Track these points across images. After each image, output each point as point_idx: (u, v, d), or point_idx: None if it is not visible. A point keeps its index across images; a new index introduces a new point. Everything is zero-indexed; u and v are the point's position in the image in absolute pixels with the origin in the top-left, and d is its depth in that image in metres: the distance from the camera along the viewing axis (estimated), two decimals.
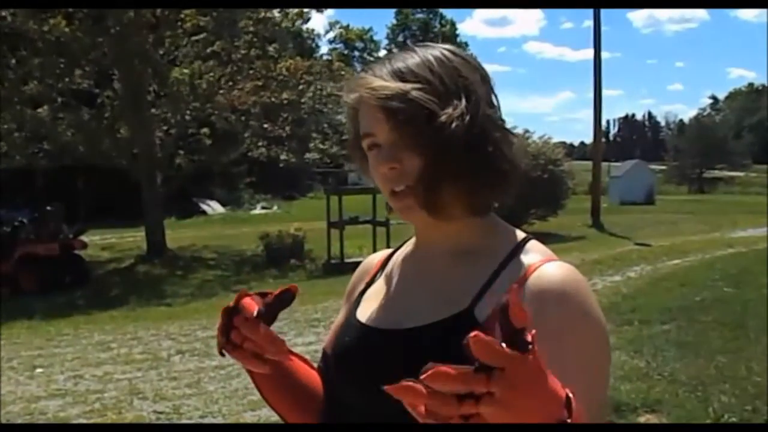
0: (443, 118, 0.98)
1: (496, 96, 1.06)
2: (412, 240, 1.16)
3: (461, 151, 0.98)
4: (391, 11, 59.63)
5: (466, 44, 59.73)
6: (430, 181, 0.99)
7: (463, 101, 1.00)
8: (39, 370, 6.50)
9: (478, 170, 1.00)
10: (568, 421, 0.72)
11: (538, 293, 0.95)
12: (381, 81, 1.01)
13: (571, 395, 0.73)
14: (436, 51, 1.03)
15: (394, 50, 1.10)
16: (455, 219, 1.03)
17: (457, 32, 61.40)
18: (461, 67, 1.02)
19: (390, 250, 1.21)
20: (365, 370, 1.02)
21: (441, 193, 0.99)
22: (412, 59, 1.02)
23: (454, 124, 0.98)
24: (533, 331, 0.67)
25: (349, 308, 1.16)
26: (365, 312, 1.10)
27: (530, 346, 0.67)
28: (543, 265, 0.99)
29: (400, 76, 1.00)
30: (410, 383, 0.65)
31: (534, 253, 1.02)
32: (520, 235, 1.06)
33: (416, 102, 0.98)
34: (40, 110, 15.63)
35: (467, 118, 0.99)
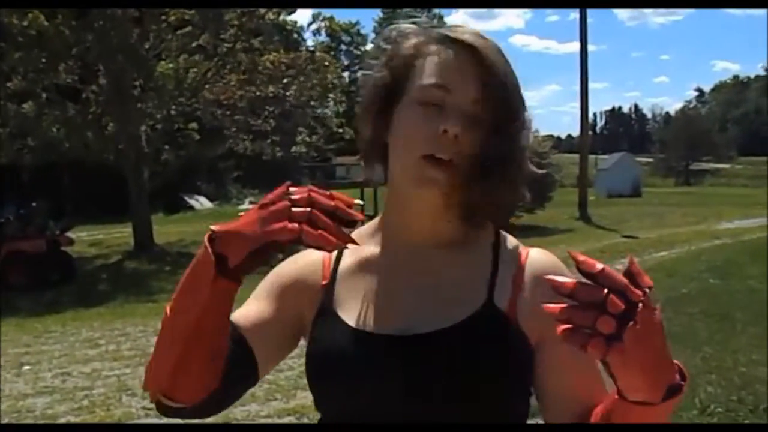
0: (525, 117, 0.98)
1: None
2: (364, 233, 1.07)
3: (523, 157, 0.98)
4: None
5: None
6: (490, 169, 0.93)
7: (526, 113, 1.00)
8: (26, 367, 6.46)
9: (521, 184, 0.99)
10: (684, 386, 0.80)
11: (537, 274, 0.98)
12: (493, 49, 0.97)
13: (680, 364, 0.82)
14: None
15: (381, 44, 1.03)
16: (458, 214, 0.99)
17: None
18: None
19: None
20: (405, 380, 0.93)
21: (491, 186, 0.95)
22: (503, 53, 0.99)
23: (524, 129, 0.99)
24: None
25: (317, 316, 1.03)
26: (360, 318, 1.00)
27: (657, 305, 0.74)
28: (528, 251, 1.02)
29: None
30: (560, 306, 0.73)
31: (512, 241, 1.04)
32: (490, 224, 1.04)
33: (516, 88, 0.97)
34: (24, 106, 15.50)
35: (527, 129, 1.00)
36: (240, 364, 0.99)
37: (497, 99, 0.94)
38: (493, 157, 0.93)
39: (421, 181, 0.94)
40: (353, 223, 0.85)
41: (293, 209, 0.83)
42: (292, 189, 0.85)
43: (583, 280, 0.74)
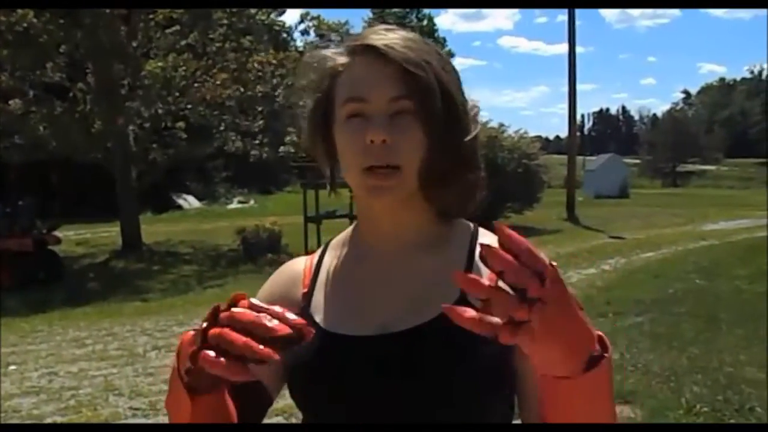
0: (469, 106, 0.98)
1: None
2: (342, 239, 1.09)
3: (474, 147, 0.98)
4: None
5: (444, 40, 59.70)
6: (434, 167, 0.94)
7: (470, 101, 1.00)
8: (12, 367, 6.41)
9: (479, 170, 1.00)
10: (605, 356, 0.76)
11: None
12: (401, 41, 0.94)
13: (602, 334, 0.78)
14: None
15: (307, 71, 1.05)
16: (422, 211, 1.01)
17: (436, 27, 61.46)
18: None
19: (309, 256, 1.11)
20: (379, 379, 0.93)
21: (441, 184, 0.96)
22: (423, 40, 0.98)
23: (472, 114, 0.99)
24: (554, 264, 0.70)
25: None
26: (334, 322, 1.00)
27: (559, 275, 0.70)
28: None
29: (417, 46, 0.95)
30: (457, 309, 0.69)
31: (491, 237, 1.00)
32: (468, 222, 1.05)
33: (440, 78, 0.94)
34: (11, 103, 15.39)
35: (475, 115, 1.00)
36: (251, 400, 0.99)
37: (419, 89, 0.93)
38: (441, 151, 0.94)
39: (369, 192, 0.95)
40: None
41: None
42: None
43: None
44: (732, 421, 4.23)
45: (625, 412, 4.45)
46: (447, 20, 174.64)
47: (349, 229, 1.09)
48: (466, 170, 0.98)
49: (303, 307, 1.03)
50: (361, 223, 1.06)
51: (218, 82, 16.65)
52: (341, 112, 0.97)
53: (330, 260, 1.07)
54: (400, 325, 0.96)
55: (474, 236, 1.03)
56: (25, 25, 14.43)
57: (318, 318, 1.01)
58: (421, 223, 1.02)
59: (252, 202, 31.85)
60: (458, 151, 0.96)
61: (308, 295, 1.05)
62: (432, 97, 0.93)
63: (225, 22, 16.96)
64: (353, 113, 0.95)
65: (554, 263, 0.70)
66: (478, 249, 0.98)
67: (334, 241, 1.10)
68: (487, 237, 1.03)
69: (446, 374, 0.91)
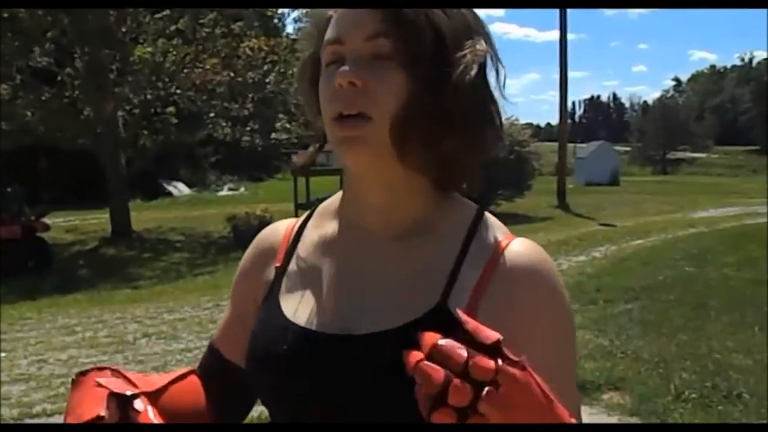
0: (467, 51, 0.83)
1: None
2: (329, 207, 0.98)
3: (472, 99, 0.83)
4: None
5: None
6: (409, 121, 0.81)
7: (483, 43, 0.86)
8: (2, 354, 6.39)
9: (483, 127, 0.85)
10: None
11: (511, 273, 0.85)
12: None
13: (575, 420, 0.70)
14: None
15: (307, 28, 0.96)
16: (412, 181, 0.88)
17: None
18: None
19: (292, 222, 1.01)
20: (329, 384, 0.84)
21: (417, 142, 0.82)
22: None
23: (474, 63, 0.83)
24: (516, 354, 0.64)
25: (263, 300, 0.95)
26: (297, 309, 0.90)
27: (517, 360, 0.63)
28: (510, 243, 0.88)
29: None
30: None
31: (495, 230, 0.90)
32: (473, 207, 0.92)
33: (433, 21, 0.82)
34: None
35: (487, 61, 0.87)
36: (229, 387, 0.98)
37: (399, 27, 0.81)
38: (421, 103, 0.81)
39: (339, 144, 0.84)
40: None
41: None
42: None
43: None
44: (720, 407, 4.26)
45: (614, 399, 4.49)
46: None
47: (339, 194, 0.98)
48: (454, 131, 0.83)
49: (272, 286, 0.95)
50: (344, 192, 0.95)
51: (208, 67, 16.55)
52: (323, 60, 0.87)
53: (311, 232, 0.96)
54: (364, 328, 0.85)
55: (476, 223, 0.90)
56: (8, 11, 14.25)
57: (282, 300, 0.92)
58: (410, 195, 0.89)
59: (242, 189, 31.75)
60: (445, 106, 0.82)
61: (281, 271, 0.95)
62: (414, 38, 0.81)
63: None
64: (331, 59, 0.85)
65: (494, 344, 0.62)
66: (478, 238, 0.88)
67: (321, 207, 0.99)
68: (492, 228, 0.91)
69: (391, 387, 0.77)
